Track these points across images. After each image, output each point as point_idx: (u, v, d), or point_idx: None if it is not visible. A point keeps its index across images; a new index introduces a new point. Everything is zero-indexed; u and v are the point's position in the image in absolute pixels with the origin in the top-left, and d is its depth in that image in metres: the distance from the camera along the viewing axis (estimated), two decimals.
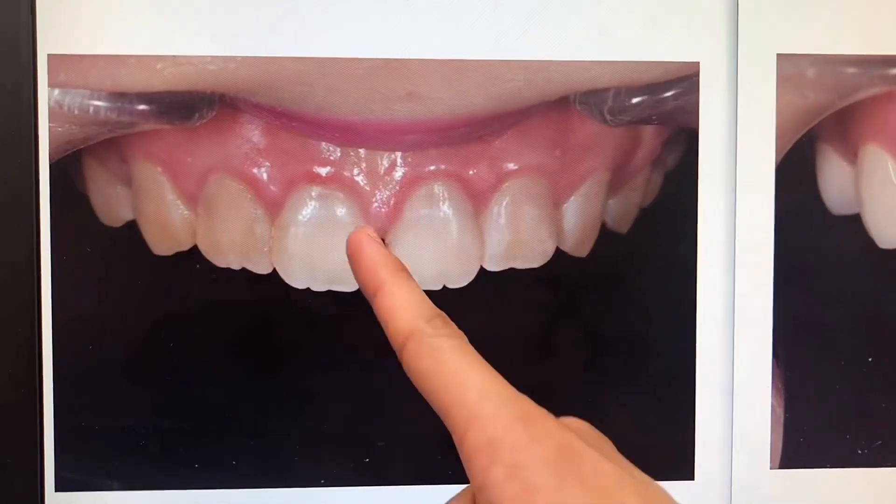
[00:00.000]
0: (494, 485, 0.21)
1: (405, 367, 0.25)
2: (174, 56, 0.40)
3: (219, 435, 0.41)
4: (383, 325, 0.25)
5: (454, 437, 0.23)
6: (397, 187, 0.41)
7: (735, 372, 0.42)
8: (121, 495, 0.41)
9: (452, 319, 0.44)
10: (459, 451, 0.23)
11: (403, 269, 0.26)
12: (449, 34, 0.41)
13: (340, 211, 0.41)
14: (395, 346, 0.25)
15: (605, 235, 0.42)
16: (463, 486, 0.24)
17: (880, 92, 0.42)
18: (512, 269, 0.42)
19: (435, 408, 0.24)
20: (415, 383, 0.24)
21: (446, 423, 0.23)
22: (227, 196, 0.41)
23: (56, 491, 0.41)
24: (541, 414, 0.23)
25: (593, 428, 0.25)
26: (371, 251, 0.26)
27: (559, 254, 0.42)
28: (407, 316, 0.25)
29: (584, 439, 0.23)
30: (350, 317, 0.41)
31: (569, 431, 0.22)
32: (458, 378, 0.23)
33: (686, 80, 0.41)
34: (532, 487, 0.21)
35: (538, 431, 0.22)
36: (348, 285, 0.41)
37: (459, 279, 0.42)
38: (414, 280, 0.26)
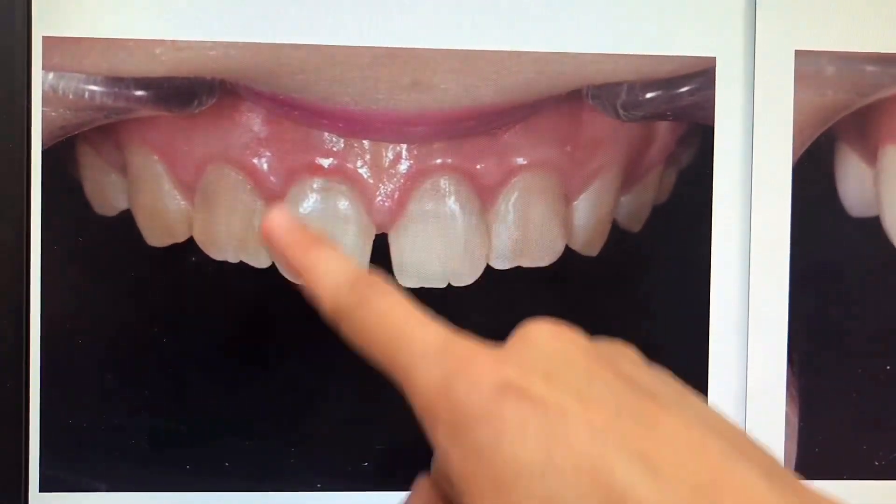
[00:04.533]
0: (441, 454, 0.20)
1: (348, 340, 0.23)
2: (174, 41, 0.38)
3: (211, 435, 0.40)
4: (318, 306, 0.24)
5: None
6: (402, 181, 0.40)
7: (748, 378, 0.41)
8: (108, 497, 0.40)
9: (456, 319, 0.43)
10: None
11: (314, 243, 0.24)
12: (457, 23, 0.40)
13: (343, 204, 0.40)
14: (332, 325, 0.24)
15: (617, 234, 0.41)
16: None
17: None
18: (519, 268, 0.41)
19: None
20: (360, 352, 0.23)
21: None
22: (225, 186, 0.39)
23: (40, 491, 0.39)
24: (472, 354, 0.20)
25: (564, 335, 0.22)
26: (277, 237, 0.24)
27: (569, 252, 0.41)
28: (327, 295, 0.23)
29: (540, 362, 0.20)
30: None
31: (506, 364, 0.20)
32: (389, 346, 0.22)
33: (702, 75, 0.40)
34: (473, 448, 0.19)
35: (473, 379, 0.20)
36: None
37: (465, 277, 0.40)
38: (328, 248, 0.24)
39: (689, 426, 0.19)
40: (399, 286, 0.23)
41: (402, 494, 0.40)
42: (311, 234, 0.25)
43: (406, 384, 0.21)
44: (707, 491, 0.17)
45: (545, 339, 0.21)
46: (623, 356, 0.22)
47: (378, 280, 0.23)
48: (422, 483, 0.24)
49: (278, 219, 0.24)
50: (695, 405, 0.21)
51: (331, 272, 0.23)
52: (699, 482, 0.17)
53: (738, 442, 0.19)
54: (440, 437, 0.20)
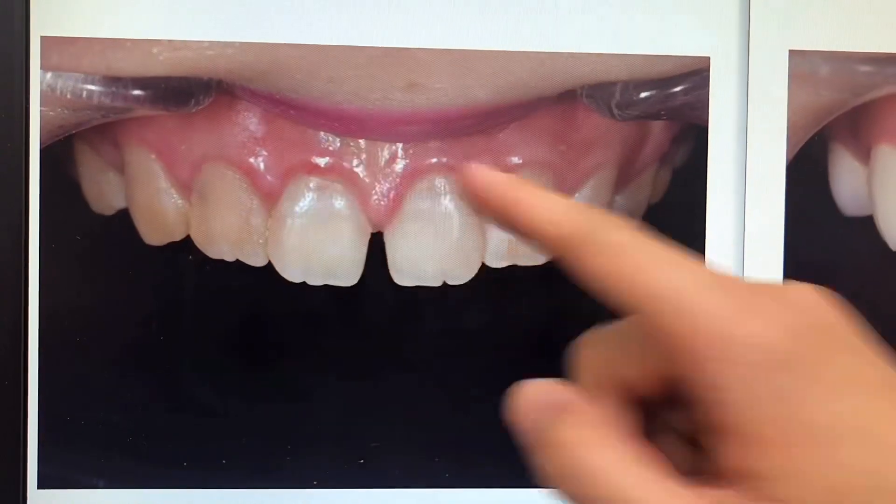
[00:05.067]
0: (730, 394, 0.17)
1: (577, 273, 0.20)
2: (171, 40, 0.39)
3: (208, 432, 0.40)
4: (538, 240, 0.21)
5: (657, 337, 0.19)
6: (398, 180, 0.40)
7: None
8: (105, 493, 0.40)
9: (453, 317, 0.43)
10: (666, 352, 0.19)
11: (523, 183, 0.21)
12: (453, 23, 0.40)
13: (339, 203, 0.40)
14: (559, 255, 0.21)
15: None
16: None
17: (894, 91, 0.41)
18: (514, 266, 0.41)
19: (621, 307, 0.20)
20: (591, 286, 0.20)
21: (646, 326, 0.19)
22: (222, 185, 0.40)
23: (38, 488, 0.39)
24: (760, 292, 0.18)
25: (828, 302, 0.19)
26: (483, 181, 0.22)
27: None
28: (554, 225, 0.20)
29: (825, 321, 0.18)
30: (347, 313, 0.40)
31: (794, 312, 0.18)
32: (645, 276, 0.19)
33: (696, 74, 0.40)
34: (793, 392, 0.17)
35: (783, 320, 0.17)
36: (345, 280, 0.40)
37: (460, 275, 0.40)
38: (540, 189, 0.22)
39: None
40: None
41: (397, 492, 0.41)
42: (516, 178, 0.22)
43: (672, 317, 0.18)
44: None
45: (817, 305, 0.19)
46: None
47: (608, 213, 0.20)
48: (585, 396, 0.21)
49: (478, 167, 0.22)
50: None
51: (552, 203, 0.20)
52: None
53: None
54: (730, 376, 0.17)
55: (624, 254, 0.19)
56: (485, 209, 0.22)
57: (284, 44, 0.39)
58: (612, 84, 0.40)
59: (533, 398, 0.21)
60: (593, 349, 0.22)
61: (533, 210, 0.21)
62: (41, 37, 0.38)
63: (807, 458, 0.17)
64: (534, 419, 0.21)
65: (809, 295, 0.19)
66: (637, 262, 0.19)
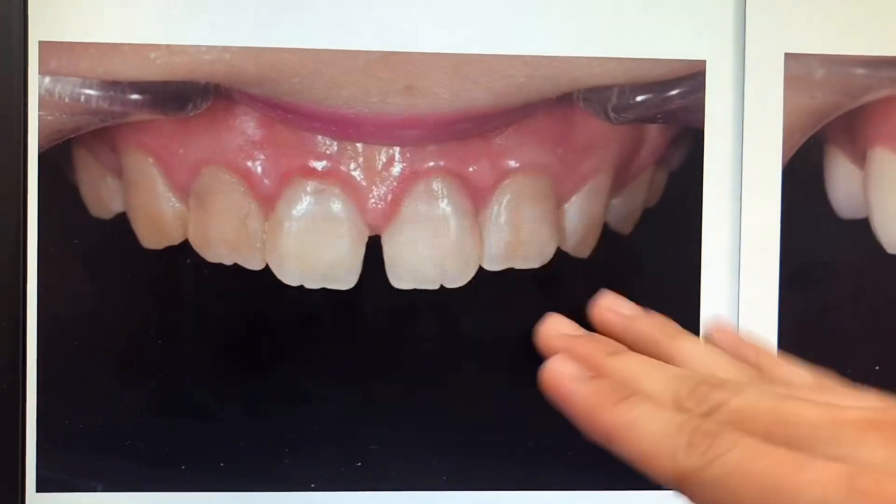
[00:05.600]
0: None
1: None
2: (168, 45, 0.39)
3: (207, 435, 0.40)
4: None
5: None
6: (395, 183, 0.40)
7: None
8: (104, 497, 0.40)
9: (450, 320, 0.43)
10: None
11: (624, 389, 0.20)
12: (450, 27, 0.40)
13: (336, 206, 0.40)
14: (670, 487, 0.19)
15: (608, 236, 0.41)
16: None
17: (890, 94, 0.41)
18: (511, 270, 0.41)
19: None
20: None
21: None
22: (220, 189, 0.40)
23: (37, 491, 0.39)
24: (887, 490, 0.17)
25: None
26: (577, 393, 0.20)
27: (560, 254, 0.41)
28: (660, 460, 0.19)
29: None
30: (344, 316, 0.40)
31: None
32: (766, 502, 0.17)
33: (692, 78, 0.41)
34: None
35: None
36: (343, 283, 0.40)
37: (457, 278, 0.41)
38: (642, 398, 0.20)
39: None
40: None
41: (395, 495, 0.41)
42: (614, 383, 0.20)
43: None
44: None
45: None
46: None
47: (718, 428, 0.18)
48: None
49: (562, 366, 0.20)
50: None
51: (656, 425, 0.19)
52: None
53: None
54: None
55: (737, 490, 0.18)
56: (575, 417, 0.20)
57: (282, 48, 0.39)
58: (609, 88, 0.40)
59: None
60: None
61: (632, 444, 0.19)
62: (39, 41, 0.38)
63: None
64: None
65: None
66: (755, 495, 0.17)
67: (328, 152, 0.40)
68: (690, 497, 0.19)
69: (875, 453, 0.17)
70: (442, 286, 0.41)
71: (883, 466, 0.17)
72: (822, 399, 0.19)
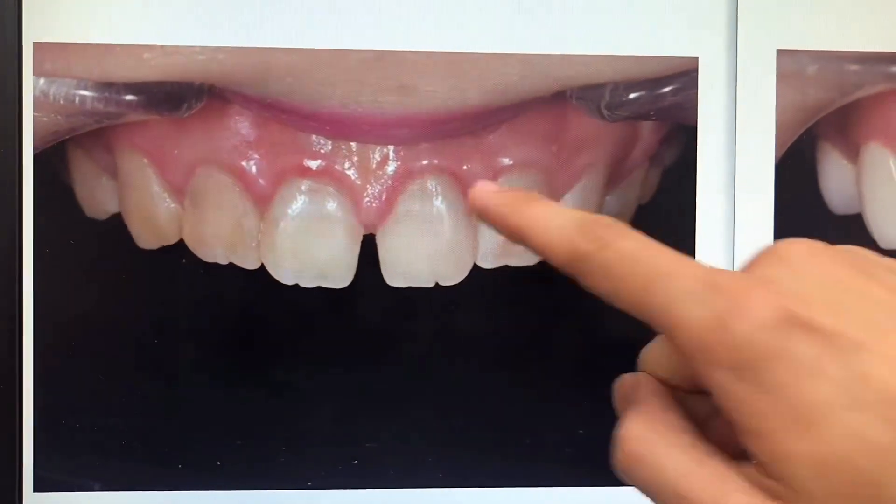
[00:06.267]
0: (721, 394, 0.19)
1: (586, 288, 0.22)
2: (162, 45, 0.39)
3: (203, 434, 0.40)
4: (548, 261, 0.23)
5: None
6: (389, 182, 0.40)
7: None
8: (101, 496, 0.40)
9: (445, 318, 0.43)
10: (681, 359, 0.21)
11: (528, 199, 0.23)
12: (444, 27, 0.40)
13: (331, 205, 0.40)
14: (567, 274, 0.22)
15: None
16: None
17: (882, 90, 0.41)
18: (506, 267, 0.41)
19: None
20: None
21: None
22: (214, 189, 0.40)
23: (34, 491, 0.40)
24: (745, 287, 0.19)
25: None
26: (488, 201, 0.23)
27: None
28: (559, 244, 0.22)
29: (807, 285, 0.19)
30: (339, 314, 0.41)
31: (784, 296, 0.19)
32: (644, 287, 0.20)
33: (685, 75, 0.41)
34: (767, 388, 0.18)
35: (754, 315, 0.19)
36: (338, 282, 0.40)
37: (452, 276, 0.41)
38: (545, 202, 0.23)
39: None
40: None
41: (391, 492, 0.41)
42: (523, 193, 0.23)
43: (670, 325, 0.20)
44: None
45: (808, 261, 0.20)
46: (874, 262, 0.21)
47: (613, 220, 0.21)
48: (662, 399, 0.22)
49: (484, 187, 0.24)
50: None
51: (556, 220, 0.22)
52: None
53: None
54: (719, 378, 0.19)
55: (622, 274, 0.21)
56: (495, 224, 0.23)
57: (276, 48, 0.39)
58: (602, 85, 0.40)
59: (618, 391, 0.24)
60: (652, 352, 0.24)
61: (536, 236, 0.22)
62: (34, 43, 0.39)
63: (793, 441, 0.18)
64: (619, 410, 0.23)
65: (795, 256, 0.20)
66: (633, 283, 0.20)
67: (322, 151, 0.40)
68: (583, 281, 0.21)
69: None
70: (437, 284, 0.41)
71: (744, 274, 0.20)
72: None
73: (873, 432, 0.18)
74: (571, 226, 0.22)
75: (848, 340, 0.18)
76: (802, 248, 0.20)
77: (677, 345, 0.20)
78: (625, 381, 0.24)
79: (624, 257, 0.21)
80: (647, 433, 0.21)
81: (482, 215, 0.24)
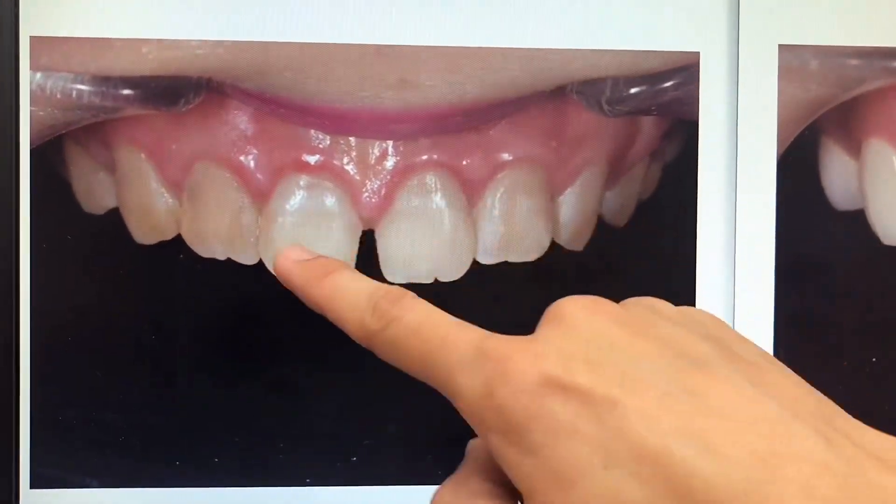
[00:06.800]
0: (498, 457, 0.20)
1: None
2: (160, 39, 0.39)
3: (201, 431, 0.40)
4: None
5: None
6: (388, 177, 0.40)
7: None
8: (99, 493, 0.40)
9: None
10: None
11: (326, 272, 0.24)
12: (443, 21, 0.40)
13: (330, 201, 0.40)
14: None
15: (602, 229, 0.41)
16: None
17: (885, 85, 0.41)
18: (506, 263, 0.41)
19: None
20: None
21: None
22: (212, 184, 0.40)
23: (31, 488, 0.39)
24: (508, 353, 0.20)
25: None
26: (289, 274, 0.25)
27: (555, 247, 0.41)
28: (352, 324, 0.23)
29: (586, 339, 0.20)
30: None
31: (545, 358, 0.20)
32: (426, 361, 0.22)
33: (685, 70, 0.40)
34: (529, 451, 0.19)
35: (515, 380, 0.20)
36: None
37: (452, 272, 0.40)
38: (342, 273, 0.24)
39: (740, 392, 0.19)
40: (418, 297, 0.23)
41: (391, 489, 0.41)
42: (323, 263, 0.25)
43: (450, 394, 0.21)
44: (768, 462, 0.17)
45: (579, 319, 0.21)
46: (658, 316, 0.22)
47: (399, 295, 0.23)
48: (476, 463, 0.24)
49: (289, 254, 0.25)
50: (738, 359, 0.20)
51: (349, 298, 0.23)
52: (758, 453, 0.17)
53: (790, 397, 0.19)
54: (494, 442, 0.20)
55: (406, 347, 0.22)
56: (299, 296, 0.25)
57: (274, 42, 0.39)
58: (603, 80, 0.40)
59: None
60: None
61: (333, 312, 0.24)
62: (30, 37, 0.38)
63: (557, 502, 0.18)
64: None
65: (569, 314, 0.21)
66: (416, 355, 0.22)
67: (321, 146, 0.40)
68: (379, 356, 0.23)
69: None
70: (436, 280, 0.40)
71: (514, 339, 0.21)
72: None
73: (628, 489, 0.18)
74: (363, 303, 0.23)
75: (602, 398, 0.18)
76: (579, 307, 0.21)
77: (460, 411, 0.21)
78: (469, 444, 0.25)
79: (408, 332, 0.22)
80: (450, 499, 0.22)
81: (286, 285, 0.25)
